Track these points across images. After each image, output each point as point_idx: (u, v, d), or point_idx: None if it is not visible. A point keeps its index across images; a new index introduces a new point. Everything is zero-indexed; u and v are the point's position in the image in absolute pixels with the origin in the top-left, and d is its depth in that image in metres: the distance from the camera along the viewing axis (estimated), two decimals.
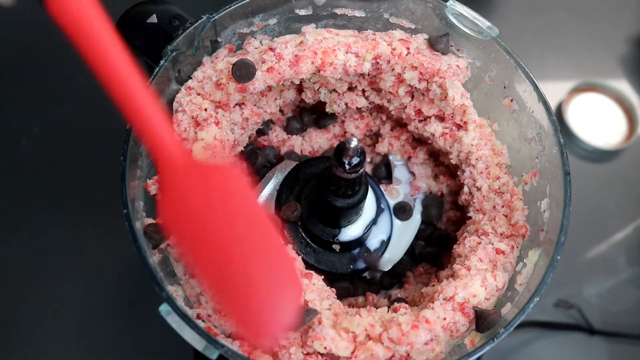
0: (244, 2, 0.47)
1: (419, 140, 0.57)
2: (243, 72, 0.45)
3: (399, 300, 0.51)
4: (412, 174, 0.57)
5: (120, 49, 0.33)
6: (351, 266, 0.52)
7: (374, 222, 0.52)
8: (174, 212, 0.36)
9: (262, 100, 0.51)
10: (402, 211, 0.54)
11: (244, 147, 0.53)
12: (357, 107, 0.54)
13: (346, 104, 0.53)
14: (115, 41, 0.33)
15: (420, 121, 0.52)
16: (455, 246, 0.49)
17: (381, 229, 0.53)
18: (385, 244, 0.53)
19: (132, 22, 0.49)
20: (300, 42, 0.48)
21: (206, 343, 0.38)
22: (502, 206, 0.48)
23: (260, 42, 0.50)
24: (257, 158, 0.54)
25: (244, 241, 0.37)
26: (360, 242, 0.52)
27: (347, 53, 0.48)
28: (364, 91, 0.53)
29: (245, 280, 0.36)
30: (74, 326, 0.67)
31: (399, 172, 0.57)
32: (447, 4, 0.48)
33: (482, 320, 0.42)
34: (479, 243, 0.46)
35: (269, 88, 0.49)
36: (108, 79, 0.33)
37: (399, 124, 0.57)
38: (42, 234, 0.71)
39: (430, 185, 0.56)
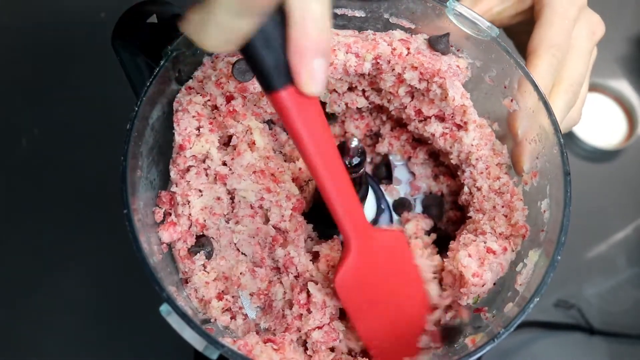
0: None
1: (419, 141, 0.57)
2: (243, 71, 0.45)
3: None
4: (412, 174, 0.57)
5: (331, 145, 0.37)
6: None
7: (374, 222, 0.52)
8: (351, 281, 0.42)
9: (262, 100, 0.51)
10: (401, 207, 0.54)
11: None
12: (357, 107, 0.54)
13: (346, 104, 0.53)
14: (328, 138, 0.37)
15: (420, 121, 0.52)
16: (450, 242, 0.49)
17: None
18: None
19: (132, 22, 0.49)
20: None
21: (206, 343, 0.38)
22: (502, 206, 0.48)
23: None
24: None
25: (401, 295, 0.45)
26: None
27: (347, 53, 0.48)
28: (364, 91, 0.53)
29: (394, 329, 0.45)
30: (74, 326, 0.67)
31: (399, 172, 0.57)
32: (447, 3, 0.48)
33: (446, 334, 0.44)
34: (474, 241, 0.46)
35: None
36: (316, 170, 0.37)
37: (399, 124, 0.57)
38: (42, 234, 0.71)
39: (430, 185, 0.56)
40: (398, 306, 0.45)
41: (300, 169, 0.50)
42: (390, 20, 0.51)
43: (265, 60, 0.31)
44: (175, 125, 0.46)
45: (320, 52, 0.31)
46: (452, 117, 0.50)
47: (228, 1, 0.28)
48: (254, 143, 0.47)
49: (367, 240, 0.42)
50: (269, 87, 0.33)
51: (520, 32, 0.55)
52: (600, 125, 0.82)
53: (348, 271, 0.42)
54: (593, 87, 0.83)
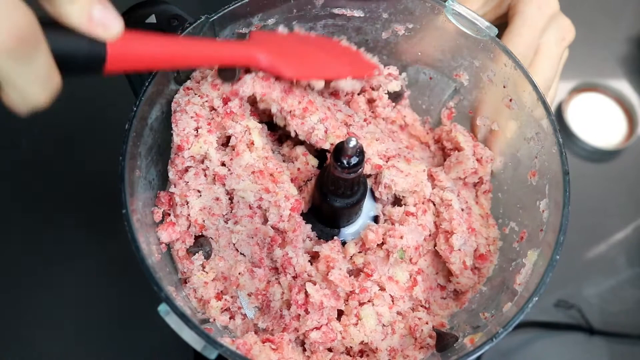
0: (242, 2, 0.47)
1: None
2: (228, 73, 0.45)
3: None
4: None
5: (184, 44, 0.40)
6: None
7: (375, 220, 0.52)
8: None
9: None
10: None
11: None
12: None
13: None
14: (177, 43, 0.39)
15: None
16: None
17: None
18: None
19: (131, 22, 0.49)
20: None
21: (205, 343, 0.38)
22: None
23: None
24: None
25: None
26: None
27: (320, 122, 0.47)
28: None
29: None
30: (74, 326, 0.67)
31: None
32: (446, 3, 0.48)
33: (441, 340, 0.44)
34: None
35: None
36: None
37: None
38: (42, 234, 0.71)
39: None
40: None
41: (299, 169, 0.50)
42: (389, 19, 0.51)
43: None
44: (173, 125, 0.46)
45: None
46: None
47: None
48: (252, 143, 0.47)
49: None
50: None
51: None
52: (600, 125, 0.81)
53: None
54: (593, 87, 0.83)
